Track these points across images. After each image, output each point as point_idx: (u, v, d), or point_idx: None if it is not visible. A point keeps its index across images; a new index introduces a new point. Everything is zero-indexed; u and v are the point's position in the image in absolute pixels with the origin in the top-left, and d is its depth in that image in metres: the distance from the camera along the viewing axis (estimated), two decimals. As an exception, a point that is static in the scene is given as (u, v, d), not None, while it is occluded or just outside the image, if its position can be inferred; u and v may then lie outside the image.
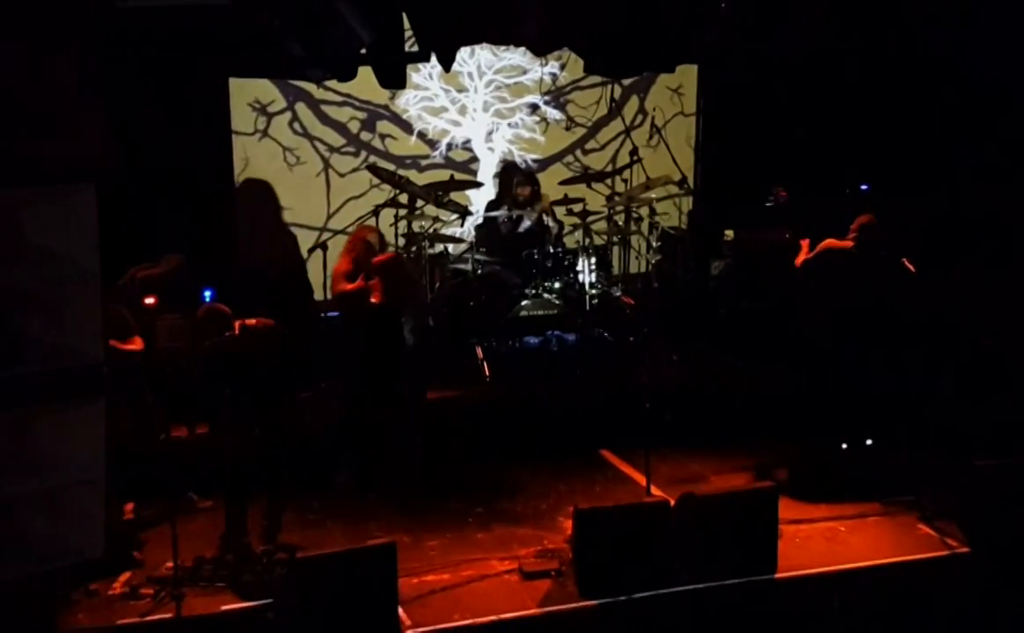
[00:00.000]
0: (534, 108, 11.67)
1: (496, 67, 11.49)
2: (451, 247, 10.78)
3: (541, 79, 11.54)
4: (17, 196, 6.47)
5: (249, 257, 10.53)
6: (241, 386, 7.26)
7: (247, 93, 10.78)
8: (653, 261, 10.97)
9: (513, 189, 10.71)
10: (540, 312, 9.70)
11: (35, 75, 7.33)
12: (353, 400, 8.40)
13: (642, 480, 7.85)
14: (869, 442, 8.88)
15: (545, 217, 10.55)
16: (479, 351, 9.59)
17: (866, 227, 8.53)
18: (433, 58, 10.13)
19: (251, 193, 10.79)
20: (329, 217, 11.19)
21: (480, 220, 10.95)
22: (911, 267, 7.97)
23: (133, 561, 6.93)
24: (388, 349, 8.12)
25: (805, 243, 8.74)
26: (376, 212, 10.43)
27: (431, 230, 10.44)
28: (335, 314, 9.10)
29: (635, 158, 11.18)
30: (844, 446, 8.83)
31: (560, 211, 10.92)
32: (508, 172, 11.22)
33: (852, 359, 8.76)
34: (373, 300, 8.10)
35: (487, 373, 9.41)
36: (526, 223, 10.51)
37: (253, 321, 7.17)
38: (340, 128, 11.21)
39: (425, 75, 11.27)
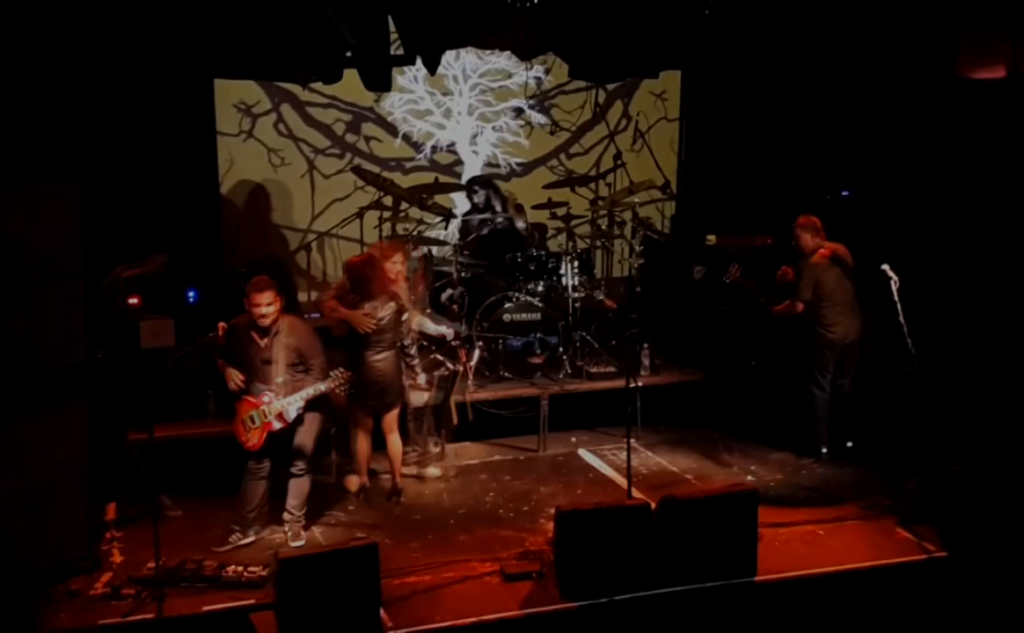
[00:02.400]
0: (519, 112, 11.70)
1: (481, 71, 11.52)
2: (435, 250, 10.79)
3: (526, 83, 11.57)
4: (0, 194, 6.49)
5: (234, 257, 10.53)
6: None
7: (232, 94, 10.78)
8: (636, 265, 11.01)
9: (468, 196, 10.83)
10: (523, 315, 9.72)
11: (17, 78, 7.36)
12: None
13: (623, 482, 7.90)
14: (849, 444, 8.98)
15: (519, 221, 10.61)
16: (462, 353, 9.60)
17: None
18: (418, 61, 10.15)
19: (236, 194, 10.79)
20: (314, 219, 11.20)
21: (460, 224, 10.98)
22: (893, 274, 8.01)
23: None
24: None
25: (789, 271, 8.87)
26: (360, 214, 10.45)
27: (415, 232, 10.47)
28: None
29: (619, 162, 11.23)
30: (824, 450, 8.93)
31: (543, 215, 10.96)
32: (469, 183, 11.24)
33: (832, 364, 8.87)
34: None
35: (470, 375, 9.43)
36: (498, 223, 10.55)
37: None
38: (325, 130, 11.22)
39: (410, 78, 11.29)
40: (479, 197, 10.70)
